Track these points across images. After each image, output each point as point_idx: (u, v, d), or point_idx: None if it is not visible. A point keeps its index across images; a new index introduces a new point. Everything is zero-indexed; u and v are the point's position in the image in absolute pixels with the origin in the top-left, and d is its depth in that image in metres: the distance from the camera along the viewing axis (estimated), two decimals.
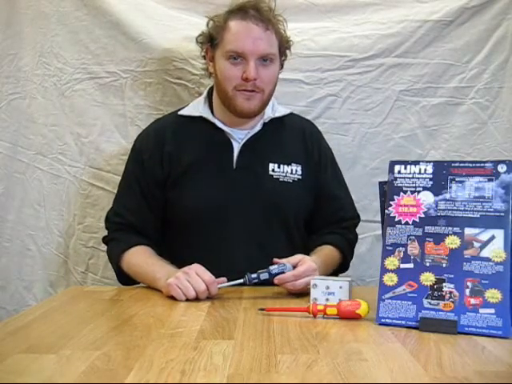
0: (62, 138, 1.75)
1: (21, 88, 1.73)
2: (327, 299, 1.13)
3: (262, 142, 1.47)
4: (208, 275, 1.22)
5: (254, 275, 1.24)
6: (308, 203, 1.51)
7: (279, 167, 1.46)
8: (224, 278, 1.25)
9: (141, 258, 1.39)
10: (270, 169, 1.46)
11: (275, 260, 1.26)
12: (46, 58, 1.73)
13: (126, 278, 1.43)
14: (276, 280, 1.23)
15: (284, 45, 1.45)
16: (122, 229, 1.46)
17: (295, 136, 1.52)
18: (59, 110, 1.74)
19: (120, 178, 1.53)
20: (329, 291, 1.15)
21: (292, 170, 1.47)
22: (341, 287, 1.14)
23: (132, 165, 1.49)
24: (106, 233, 1.51)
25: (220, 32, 1.40)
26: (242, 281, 1.24)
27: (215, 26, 1.41)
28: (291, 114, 1.55)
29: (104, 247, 1.54)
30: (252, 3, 1.39)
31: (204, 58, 1.49)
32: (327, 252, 1.44)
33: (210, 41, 1.43)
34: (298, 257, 1.28)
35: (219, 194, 1.42)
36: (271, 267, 1.24)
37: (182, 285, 1.20)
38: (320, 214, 1.52)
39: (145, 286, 1.39)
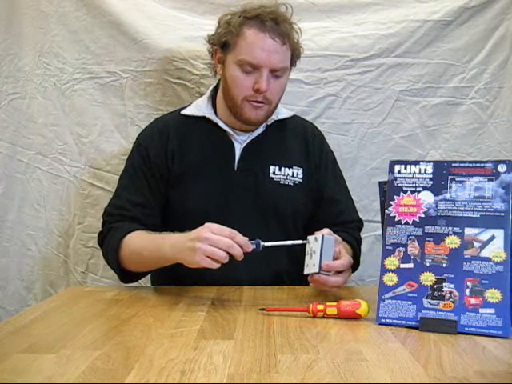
0: (61, 138, 1.75)
1: (21, 88, 1.73)
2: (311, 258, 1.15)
3: (263, 145, 1.47)
4: (228, 230, 1.13)
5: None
6: (308, 207, 1.50)
7: (280, 170, 1.46)
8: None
9: (140, 239, 1.31)
10: (271, 171, 1.45)
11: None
12: (46, 58, 1.73)
13: (127, 275, 1.37)
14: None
15: (296, 54, 1.43)
16: (123, 220, 1.39)
17: (297, 139, 1.52)
18: (59, 110, 1.74)
19: None
20: (311, 248, 1.17)
21: (293, 173, 1.47)
22: (316, 239, 1.15)
23: (137, 160, 1.45)
24: None
25: (234, 37, 1.36)
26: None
27: (229, 31, 1.37)
28: (294, 116, 1.55)
29: None
30: (270, 14, 1.35)
31: (212, 56, 1.46)
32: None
33: (222, 43, 1.39)
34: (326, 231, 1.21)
35: (219, 195, 1.42)
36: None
37: (208, 252, 1.11)
38: (321, 218, 1.50)
39: (145, 285, 1.39)
